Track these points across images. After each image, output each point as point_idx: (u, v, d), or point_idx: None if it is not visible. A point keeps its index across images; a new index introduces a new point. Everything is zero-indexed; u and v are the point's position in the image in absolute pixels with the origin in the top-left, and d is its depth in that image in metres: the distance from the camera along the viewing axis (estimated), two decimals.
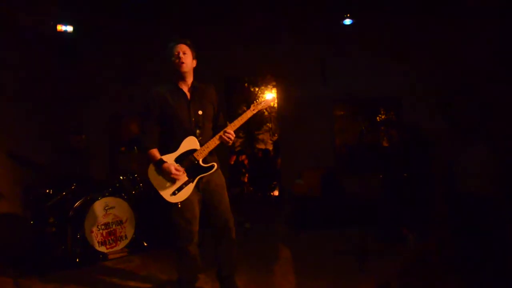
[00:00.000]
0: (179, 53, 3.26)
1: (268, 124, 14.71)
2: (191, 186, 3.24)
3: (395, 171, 6.14)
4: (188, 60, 3.30)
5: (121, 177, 5.48)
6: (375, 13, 7.05)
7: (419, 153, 5.82)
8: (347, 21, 7.03)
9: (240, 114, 3.39)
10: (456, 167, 5.04)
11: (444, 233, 4.85)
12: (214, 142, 3.28)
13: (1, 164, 5.88)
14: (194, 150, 3.24)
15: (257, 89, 13.12)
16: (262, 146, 14.13)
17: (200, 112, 3.32)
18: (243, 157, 10.21)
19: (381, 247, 4.89)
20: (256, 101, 3.50)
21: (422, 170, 5.65)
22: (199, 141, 3.27)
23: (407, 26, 7.12)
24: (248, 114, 3.39)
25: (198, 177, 3.27)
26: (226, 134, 3.26)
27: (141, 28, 7.03)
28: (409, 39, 7.19)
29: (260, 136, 15.26)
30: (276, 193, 9.71)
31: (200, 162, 3.25)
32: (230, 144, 3.36)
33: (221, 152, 3.48)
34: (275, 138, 12.71)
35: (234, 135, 3.34)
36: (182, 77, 3.33)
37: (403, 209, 5.30)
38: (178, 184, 3.20)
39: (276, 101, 3.58)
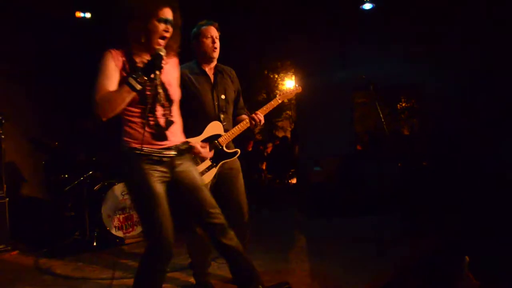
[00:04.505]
0: (213, 36, 3.17)
1: (287, 112, 14.63)
2: (213, 171, 3.19)
3: (416, 159, 6.05)
4: (219, 45, 3.23)
5: None
6: None
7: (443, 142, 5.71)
8: (367, 6, 6.86)
9: (260, 102, 3.35)
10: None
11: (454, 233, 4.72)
12: (242, 126, 3.22)
13: (21, 149, 5.98)
14: (219, 136, 3.18)
15: (276, 76, 13.03)
16: (281, 134, 14.08)
17: (223, 97, 3.27)
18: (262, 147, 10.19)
19: (400, 235, 4.81)
20: (282, 90, 3.46)
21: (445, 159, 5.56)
22: (223, 126, 3.22)
23: (430, 9, 6.89)
24: (274, 103, 3.35)
25: (221, 162, 3.21)
26: (257, 116, 3.21)
27: None
28: (432, 23, 6.97)
29: (280, 124, 15.19)
30: (294, 180, 9.66)
31: (224, 147, 3.19)
32: (256, 128, 3.32)
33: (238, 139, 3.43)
34: (293, 126, 12.64)
35: (263, 120, 3.28)
36: (209, 61, 3.25)
37: (423, 198, 5.21)
38: (201, 168, 3.14)
39: (299, 89, 3.51)
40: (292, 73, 11.63)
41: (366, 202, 6.04)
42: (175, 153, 2.44)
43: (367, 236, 4.64)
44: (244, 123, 3.23)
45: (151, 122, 2.34)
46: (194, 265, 3.38)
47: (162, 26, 2.29)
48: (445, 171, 5.55)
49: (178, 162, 2.47)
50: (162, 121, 2.38)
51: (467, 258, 2.79)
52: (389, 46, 7.21)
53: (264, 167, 9.37)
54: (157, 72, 2.23)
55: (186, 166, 2.51)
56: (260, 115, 3.23)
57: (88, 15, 6.46)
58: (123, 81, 2.23)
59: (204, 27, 3.19)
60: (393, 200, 5.51)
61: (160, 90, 2.36)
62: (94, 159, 5.31)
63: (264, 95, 12.84)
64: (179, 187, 2.49)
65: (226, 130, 3.22)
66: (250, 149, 8.74)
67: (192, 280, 3.44)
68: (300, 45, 7.72)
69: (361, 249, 4.40)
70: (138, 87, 2.17)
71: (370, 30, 7.24)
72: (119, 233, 5.02)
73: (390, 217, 5.25)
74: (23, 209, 5.69)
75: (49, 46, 6.36)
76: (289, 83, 12.32)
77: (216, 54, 3.22)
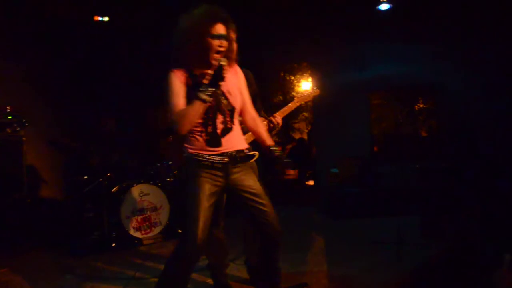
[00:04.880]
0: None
1: (304, 113, 14.57)
2: None
3: (434, 161, 5.97)
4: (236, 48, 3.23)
5: (156, 164, 5.57)
6: None
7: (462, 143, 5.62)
8: (384, 6, 6.78)
9: (277, 104, 3.34)
10: None
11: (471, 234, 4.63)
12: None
13: (43, 151, 6.08)
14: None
15: (292, 77, 12.99)
16: (298, 135, 14.04)
17: None
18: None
19: (418, 238, 4.75)
20: (299, 93, 3.46)
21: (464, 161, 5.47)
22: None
23: (447, 8, 6.78)
24: (292, 106, 3.34)
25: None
26: (275, 119, 3.22)
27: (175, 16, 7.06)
28: (450, 22, 6.85)
29: (296, 125, 15.14)
30: (311, 182, 9.63)
31: None
32: (274, 131, 3.31)
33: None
34: (310, 127, 12.58)
35: (281, 123, 3.30)
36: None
37: (441, 200, 5.13)
38: None
39: (317, 91, 3.47)
40: (308, 75, 11.57)
41: (384, 204, 5.99)
42: (227, 160, 2.49)
43: (385, 239, 4.60)
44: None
45: (209, 130, 2.45)
46: (212, 266, 3.39)
47: (216, 42, 2.41)
48: (464, 173, 5.46)
49: (234, 169, 2.53)
50: (219, 128, 2.48)
51: (507, 256, 2.74)
52: (406, 46, 7.12)
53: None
54: (222, 83, 2.37)
55: (242, 174, 2.56)
56: (278, 118, 3.24)
57: (106, 18, 6.54)
58: (189, 96, 2.39)
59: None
60: (412, 202, 5.44)
61: (221, 99, 2.47)
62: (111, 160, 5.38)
63: (280, 97, 12.80)
64: (236, 194, 2.56)
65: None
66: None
67: (210, 281, 3.45)
68: (317, 46, 7.68)
69: (380, 251, 4.37)
70: (208, 99, 2.32)
71: (386, 30, 7.17)
72: (137, 234, 5.06)
73: (408, 220, 5.18)
74: (43, 209, 5.78)
75: (68, 49, 6.46)
76: (305, 85, 12.27)
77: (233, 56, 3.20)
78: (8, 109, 5.02)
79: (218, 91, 2.41)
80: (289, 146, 10.25)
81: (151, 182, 5.34)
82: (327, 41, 7.52)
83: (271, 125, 3.22)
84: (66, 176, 5.77)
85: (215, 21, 2.41)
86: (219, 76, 2.33)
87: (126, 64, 7.06)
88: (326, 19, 7.38)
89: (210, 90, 2.33)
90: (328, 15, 7.33)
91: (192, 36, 2.39)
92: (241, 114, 2.68)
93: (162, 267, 4.09)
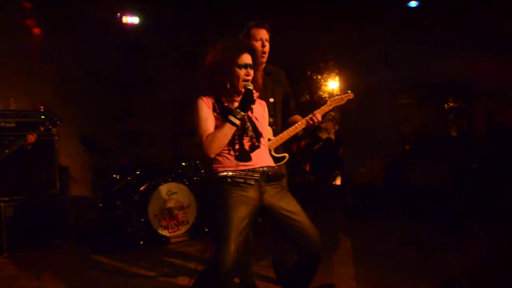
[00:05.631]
0: (263, 39, 3.10)
1: (331, 113, 14.44)
2: None
3: (465, 161, 5.84)
4: (269, 49, 3.15)
5: (183, 164, 5.63)
6: None
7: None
8: (413, 3, 6.67)
9: (304, 103, 3.28)
10: None
11: None
12: (296, 128, 3.12)
13: (74, 149, 6.24)
14: (268, 140, 3.04)
15: (319, 76, 12.89)
16: (325, 135, 13.95)
17: (271, 100, 3.22)
18: (303, 143, 10.10)
19: (447, 239, 4.67)
20: (333, 96, 3.33)
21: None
22: (273, 130, 3.16)
23: (477, 5, 6.59)
24: (325, 109, 3.20)
25: None
26: (315, 116, 3.10)
27: (203, 17, 7.13)
28: (480, 19, 6.65)
29: (323, 125, 15.03)
30: (338, 182, 9.54)
31: (273, 152, 3.10)
32: (311, 129, 3.22)
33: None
34: (337, 127, 12.47)
35: (321, 120, 3.17)
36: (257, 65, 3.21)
37: (470, 200, 5.03)
38: None
39: (351, 95, 3.33)
40: (335, 74, 11.47)
41: (412, 204, 5.89)
42: (259, 176, 2.48)
43: (413, 240, 4.54)
44: (299, 124, 3.13)
45: (236, 147, 2.48)
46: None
47: (243, 72, 2.49)
48: (495, 173, 5.33)
49: (268, 188, 2.50)
50: (247, 146, 2.51)
51: None
52: (436, 44, 6.98)
53: (307, 169, 9.31)
54: (252, 106, 2.44)
55: (277, 193, 2.53)
56: (318, 115, 3.11)
57: (135, 20, 6.65)
58: (217, 121, 2.47)
59: (254, 28, 3.11)
60: (440, 203, 5.35)
61: (248, 123, 2.52)
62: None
63: (307, 96, 12.73)
64: (272, 215, 2.51)
65: (275, 134, 3.17)
66: (295, 150, 8.71)
67: (236, 280, 3.46)
68: (344, 45, 7.62)
69: (407, 252, 4.31)
70: (238, 122, 2.41)
71: (415, 28, 7.05)
72: (165, 232, 5.13)
73: (436, 221, 5.10)
74: (75, 207, 5.93)
75: (97, 50, 6.60)
76: (332, 84, 12.17)
77: (264, 59, 3.16)
78: (41, 108, 5.17)
79: (246, 117, 2.48)
80: (316, 147, 10.17)
81: (179, 181, 5.40)
82: (354, 39, 7.44)
83: (311, 122, 3.11)
84: (96, 175, 5.88)
85: (241, 52, 2.52)
86: (248, 100, 2.42)
87: (155, 64, 7.16)
88: (353, 16, 7.31)
89: (241, 114, 2.41)
90: (356, 13, 7.26)
91: (220, 66, 2.51)
92: None
93: (190, 265, 4.19)
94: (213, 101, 2.54)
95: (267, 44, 3.13)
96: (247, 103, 2.42)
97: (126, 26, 6.72)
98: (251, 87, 2.45)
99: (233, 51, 2.53)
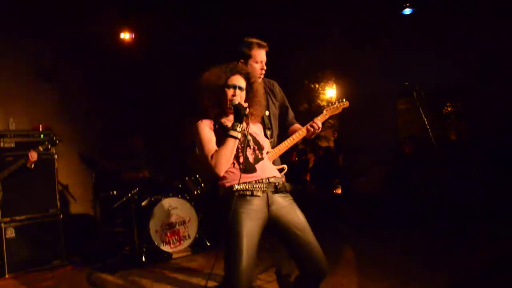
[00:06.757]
0: (262, 62, 3.15)
1: (330, 121, 14.46)
2: None
3: (464, 166, 5.84)
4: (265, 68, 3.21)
5: (186, 178, 5.65)
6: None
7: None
8: (407, 11, 6.71)
9: (302, 112, 3.28)
10: None
11: None
12: (296, 137, 3.17)
13: (74, 167, 6.25)
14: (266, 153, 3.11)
15: (317, 85, 12.93)
16: (324, 143, 13.94)
17: (266, 113, 3.25)
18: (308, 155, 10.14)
19: (451, 247, 4.64)
20: (328, 105, 3.36)
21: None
22: (270, 142, 3.18)
23: (472, 10, 6.62)
24: (321, 118, 3.23)
25: None
26: (315, 124, 3.14)
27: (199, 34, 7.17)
28: (475, 24, 6.68)
29: (323, 133, 15.03)
30: (339, 191, 9.53)
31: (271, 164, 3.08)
32: (312, 136, 3.24)
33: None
34: (336, 135, 12.49)
35: (321, 127, 3.20)
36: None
37: (472, 206, 5.01)
38: None
39: (346, 103, 3.35)
40: (333, 82, 11.51)
41: (413, 211, 5.86)
42: (265, 187, 2.49)
43: (416, 248, 4.52)
44: (298, 135, 3.18)
45: (241, 160, 2.49)
46: None
47: (230, 92, 2.58)
48: (495, 177, 5.33)
49: (275, 200, 2.50)
50: (251, 158, 2.54)
51: None
52: (432, 50, 7.01)
53: (308, 178, 9.32)
54: (245, 117, 2.50)
55: (284, 205, 2.52)
56: (318, 122, 3.15)
57: (132, 35, 6.69)
58: (219, 140, 2.52)
59: (257, 49, 3.15)
60: (443, 209, 5.33)
61: (249, 137, 2.58)
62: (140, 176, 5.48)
63: (306, 105, 12.76)
64: (278, 228, 2.50)
65: (273, 147, 3.18)
66: (294, 159, 8.73)
67: None
68: (341, 53, 7.65)
69: (411, 261, 4.29)
70: (239, 134, 2.46)
71: (411, 35, 7.08)
72: (167, 248, 5.12)
73: (439, 228, 5.08)
74: (75, 225, 5.91)
75: (97, 67, 6.63)
76: (330, 92, 12.21)
77: (261, 79, 3.20)
78: (40, 127, 5.18)
79: (245, 132, 2.52)
80: (312, 158, 10.17)
81: (180, 196, 5.40)
82: (351, 47, 7.47)
83: (311, 130, 3.14)
84: (96, 192, 5.88)
85: (232, 74, 2.62)
86: (240, 112, 2.48)
87: (154, 81, 7.18)
88: (350, 25, 7.35)
89: (239, 125, 2.46)
90: (352, 21, 7.31)
91: (211, 86, 2.60)
92: None
93: (193, 280, 4.18)
94: (212, 121, 2.59)
95: (264, 66, 3.17)
96: (240, 115, 2.48)
97: (124, 43, 6.75)
98: (236, 102, 2.52)
99: (224, 72, 2.61)
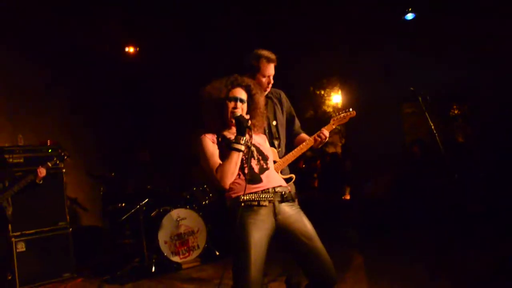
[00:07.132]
0: (270, 76, 3.18)
1: (337, 127, 14.43)
2: None
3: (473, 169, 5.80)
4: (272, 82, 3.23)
5: (194, 188, 5.67)
6: (437, 3, 6.66)
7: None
8: (410, 16, 6.72)
9: (308, 119, 3.29)
10: None
11: None
12: (304, 146, 3.18)
13: (82, 181, 6.31)
14: (274, 162, 3.06)
15: (322, 92, 12.94)
16: (332, 149, 13.92)
17: (274, 123, 3.28)
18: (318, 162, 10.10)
19: (459, 251, 4.60)
20: (335, 115, 3.38)
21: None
22: (278, 152, 3.21)
23: (476, 12, 6.60)
24: (328, 128, 3.25)
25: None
26: (322, 134, 3.16)
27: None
28: (480, 27, 6.66)
29: (330, 139, 14.99)
30: (347, 196, 9.50)
31: (279, 173, 3.11)
32: (319, 146, 3.27)
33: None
34: (344, 141, 12.47)
35: (328, 137, 3.22)
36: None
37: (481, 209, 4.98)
38: None
39: (353, 113, 3.37)
40: (338, 88, 11.51)
41: (421, 216, 5.83)
42: (272, 196, 2.48)
43: (425, 252, 4.49)
44: (305, 144, 3.19)
45: (246, 171, 2.50)
46: None
47: (231, 104, 2.60)
48: (503, 181, 5.29)
49: (282, 209, 2.50)
50: (256, 168, 2.55)
51: None
52: (436, 53, 6.99)
53: (316, 185, 9.29)
54: (247, 129, 2.50)
55: (292, 214, 2.51)
56: (326, 132, 3.17)
57: (137, 49, 6.76)
58: (223, 154, 2.53)
59: (265, 64, 3.16)
60: (450, 213, 5.29)
61: (253, 148, 2.59)
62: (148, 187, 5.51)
63: (312, 111, 12.76)
64: (286, 236, 2.49)
65: (281, 156, 3.20)
66: (302, 166, 8.71)
67: None
68: (345, 59, 7.66)
69: (420, 266, 4.25)
70: (242, 147, 2.48)
71: (415, 39, 7.07)
72: (176, 259, 5.13)
73: (446, 232, 5.04)
74: (85, 238, 5.95)
75: (103, 80, 6.71)
76: (336, 98, 12.20)
77: (267, 92, 3.23)
78: (48, 142, 5.24)
79: (249, 143, 2.52)
80: (318, 164, 10.13)
81: (188, 206, 5.42)
82: (355, 52, 7.47)
83: (319, 139, 3.16)
84: (105, 205, 5.92)
85: (234, 86, 2.64)
86: (242, 124, 2.49)
87: (158, 93, 7.23)
88: (352, 30, 7.36)
89: (242, 138, 2.47)
90: (354, 26, 7.32)
91: (213, 99, 2.63)
92: None
93: None
94: (215, 135, 2.61)
95: (272, 80, 3.20)
96: (242, 127, 2.49)
97: (129, 58, 6.83)
98: (238, 114, 2.53)
99: (225, 85, 2.64)
